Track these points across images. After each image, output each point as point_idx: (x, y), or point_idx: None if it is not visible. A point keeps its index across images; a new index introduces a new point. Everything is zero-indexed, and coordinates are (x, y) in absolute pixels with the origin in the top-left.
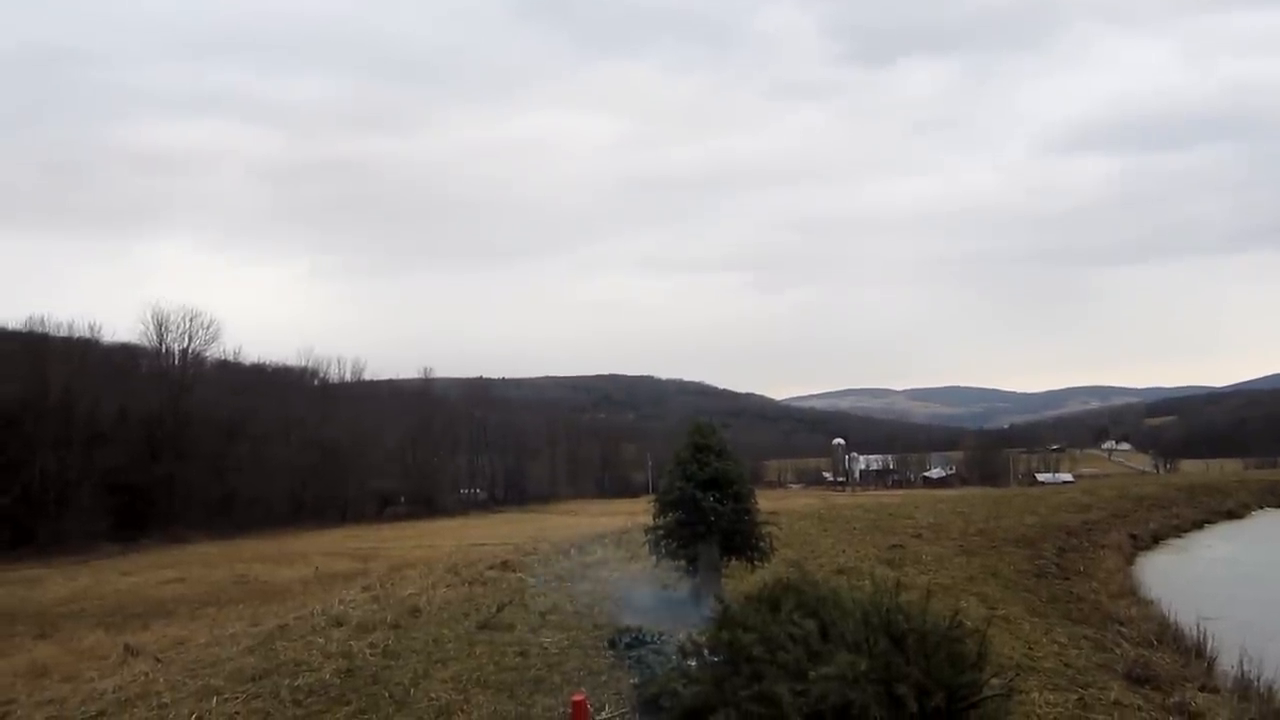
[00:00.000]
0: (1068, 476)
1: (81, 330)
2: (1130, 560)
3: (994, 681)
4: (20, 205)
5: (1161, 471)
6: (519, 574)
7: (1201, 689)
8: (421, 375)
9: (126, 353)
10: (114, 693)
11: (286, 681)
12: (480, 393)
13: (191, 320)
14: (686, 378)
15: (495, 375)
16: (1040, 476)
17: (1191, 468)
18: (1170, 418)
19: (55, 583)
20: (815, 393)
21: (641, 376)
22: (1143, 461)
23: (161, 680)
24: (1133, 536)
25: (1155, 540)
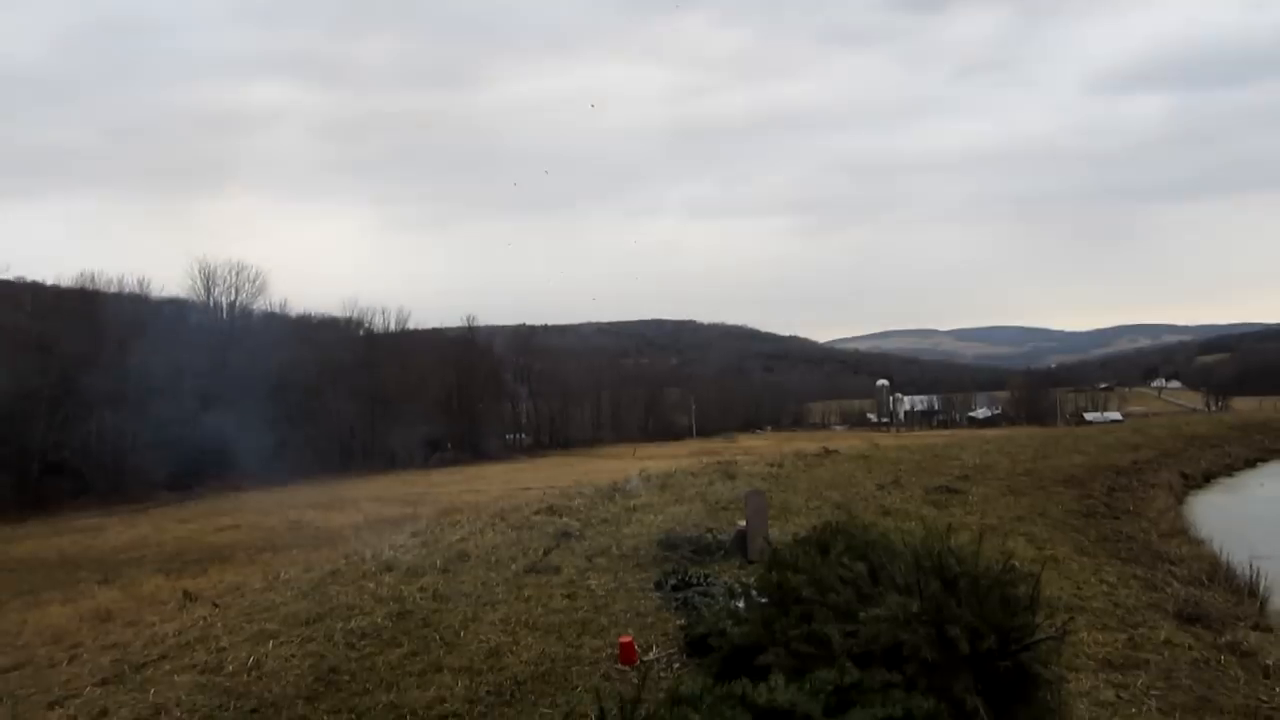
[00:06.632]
0: (1116, 415)
1: (131, 286)
2: (1181, 499)
3: (1047, 624)
4: (80, 168)
5: (1213, 410)
6: (565, 518)
7: (1254, 628)
8: (465, 324)
9: (176, 307)
10: (174, 637)
11: (340, 625)
12: (524, 340)
13: (238, 274)
14: (730, 321)
15: (538, 323)
16: (1088, 415)
17: (1244, 405)
18: (1223, 355)
19: (116, 531)
20: (860, 334)
21: (684, 321)
22: (1194, 400)
23: (219, 624)
24: (1184, 475)
25: (1207, 479)
